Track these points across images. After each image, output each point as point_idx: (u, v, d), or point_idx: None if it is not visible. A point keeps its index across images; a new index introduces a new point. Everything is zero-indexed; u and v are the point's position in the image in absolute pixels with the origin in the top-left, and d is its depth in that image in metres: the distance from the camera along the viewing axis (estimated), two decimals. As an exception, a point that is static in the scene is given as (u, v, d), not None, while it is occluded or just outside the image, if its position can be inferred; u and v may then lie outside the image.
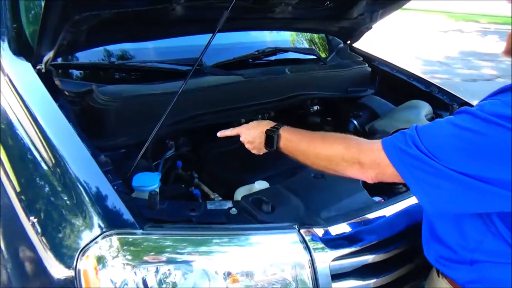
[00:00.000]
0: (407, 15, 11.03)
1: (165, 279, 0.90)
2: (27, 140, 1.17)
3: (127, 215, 0.94)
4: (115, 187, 1.00)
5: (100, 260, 0.88)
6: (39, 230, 1.01)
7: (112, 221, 0.92)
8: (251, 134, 1.21)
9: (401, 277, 1.11)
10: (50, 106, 1.21)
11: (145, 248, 0.90)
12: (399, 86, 2.09)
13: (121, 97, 1.35)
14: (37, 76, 1.31)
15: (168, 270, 0.90)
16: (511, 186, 0.74)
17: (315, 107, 1.99)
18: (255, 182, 1.28)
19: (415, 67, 6.21)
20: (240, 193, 1.28)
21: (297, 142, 1.08)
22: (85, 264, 0.89)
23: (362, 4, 1.83)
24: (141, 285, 0.88)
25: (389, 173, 0.88)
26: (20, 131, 1.21)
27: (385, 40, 7.34)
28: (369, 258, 1.05)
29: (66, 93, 1.34)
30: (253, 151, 1.23)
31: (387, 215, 1.13)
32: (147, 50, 1.71)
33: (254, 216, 1.05)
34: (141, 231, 0.91)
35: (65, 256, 0.93)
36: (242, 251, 0.96)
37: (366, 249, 1.05)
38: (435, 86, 2.02)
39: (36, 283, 1.03)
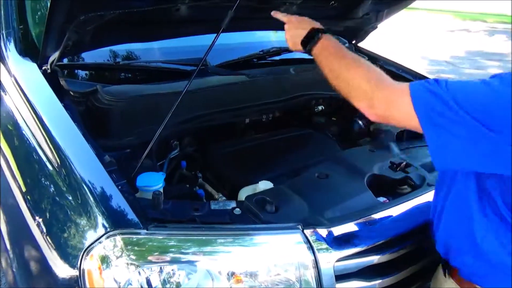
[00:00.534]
0: (413, 15, 10.97)
1: (169, 279, 0.90)
2: (32, 141, 1.18)
3: (131, 215, 0.94)
4: (120, 187, 1.00)
5: (104, 259, 0.88)
6: (44, 230, 1.02)
7: (116, 221, 0.93)
8: (298, 26, 1.19)
9: (406, 278, 1.10)
10: (56, 106, 1.22)
11: (149, 248, 0.90)
12: (405, 86, 2.07)
13: (126, 97, 1.35)
14: (42, 77, 1.33)
15: (172, 270, 0.90)
16: None
17: (320, 107, 1.97)
18: (259, 182, 1.27)
19: (422, 67, 6.18)
20: (244, 193, 1.27)
21: (329, 53, 1.08)
22: (89, 263, 0.89)
23: (367, 3, 1.83)
24: (145, 285, 0.88)
25: (398, 116, 0.90)
26: (26, 131, 1.22)
27: (391, 40, 7.31)
28: (373, 258, 1.04)
29: (72, 93, 1.35)
30: (289, 43, 1.22)
31: (391, 216, 1.12)
32: (152, 50, 1.71)
33: (258, 216, 1.05)
34: (145, 231, 0.91)
35: (69, 255, 0.93)
36: (246, 251, 0.96)
37: (371, 249, 1.04)
38: (441, 86, 2.00)
39: (41, 283, 1.03)
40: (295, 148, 1.63)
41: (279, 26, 1.95)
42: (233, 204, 1.08)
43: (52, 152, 1.10)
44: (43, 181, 1.11)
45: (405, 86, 0.89)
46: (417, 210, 1.14)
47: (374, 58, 2.18)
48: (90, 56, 1.57)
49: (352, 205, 1.14)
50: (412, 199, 1.19)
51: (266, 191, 1.18)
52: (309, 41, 1.13)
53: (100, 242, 0.89)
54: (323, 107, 1.99)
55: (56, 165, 1.08)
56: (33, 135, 1.18)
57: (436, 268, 1.06)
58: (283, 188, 1.19)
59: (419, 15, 11.60)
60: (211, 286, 0.90)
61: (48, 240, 1.00)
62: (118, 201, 0.97)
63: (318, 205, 1.11)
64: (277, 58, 1.96)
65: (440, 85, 0.85)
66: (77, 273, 0.89)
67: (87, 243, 0.91)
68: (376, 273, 1.05)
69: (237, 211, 1.06)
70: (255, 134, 1.78)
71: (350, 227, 1.06)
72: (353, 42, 2.25)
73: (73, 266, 0.91)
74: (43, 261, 0.99)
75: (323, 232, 1.01)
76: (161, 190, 1.16)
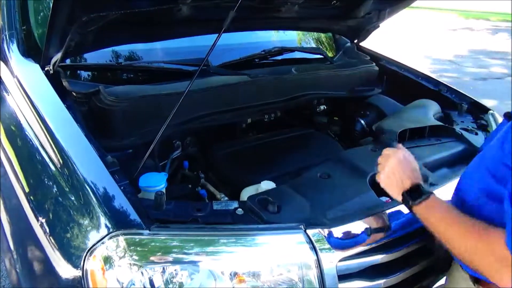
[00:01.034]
0: (416, 14, 10.94)
1: (171, 279, 0.90)
2: (35, 141, 1.19)
3: (133, 216, 0.94)
4: (122, 188, 1.01)
5: (107, 260, 0.88)
6: (47, 230, 1.02)
7: (119, 222, 0.93)
8: (405, 165, 1.06)
9: (409, 278, 1.10)
10: (58, 107, 1.23)
11: (151, 249, 0.91)
12: (407, 85, 2.07)
13: (128, 98, 1.35)
14: (45, 78, 1.33)
15: (175, 270, 0.90)
16: None
17: (322, 107, 1.98)
18: (261, 182, 1.27)
19: (424, 66, 6.16)
20: (246, 193, 1.27)
21: (442, 214, 0.95)
22: (92, 264, 0.89)
23: (369, 3, 1.82)
24: (147, 285, 0.88)
25: None
26: (29, 132, 1.23)
27: (394, 39, 7.29)
28: (376, 258, 1.04)
29: (74, 94, 1.35)
30: (382, 183, 1.08)
31: (394, 215, 1.12)
32: (154, 51, 1.71)
33: (260, 217, 1.05)
34: (147, 231, 0.91)
35: (72, 256, 0.94)
36: (249, 251, 0.96)
37: (373, 249, 1.04)
38: (443, 85, 2.00)
39: (44, 283, 1.04)
40: (297, 148, 1.63)
41: (280, 26, 1.97)
42: (235, 204, 1.08)
43: (54, 153, 1.11)
44: (46, 182, 1.11)
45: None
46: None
47: (376, 58, 2.18)
48: (92, 57, 1.57)
49: (354, 205, 1.14)
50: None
51: (268, 191, 1.18)
52: (416, 192, 1.00)
53: (103, 243, 0.90)
54: (325, 107, 1.99)
55: (59, 166, 1.08)
56: (36, 136, 1.19)
57: (450, 267, 1.05)
58: (285, 188, 1.19)
59: (421, 14, 11.57)
60: (214, 286, 0.91)
61: (51, 240, 1.00)
62: (121, 201, 0.97)
63: (320, 205, 1.11)
64: (279, 58, 1.96)
65: None
66: (80, 274, 0.90)
67: (90, 244, 0.91)
68: (378, 273, 1.05)
69: (240, 211, 1.06)
70: (257, 134, 1.78)
71: (352, 227, 1.06)
72: (355, 41, 2.25)
73: (76, 266, 0.91)
74: (46, 262, 0.99)
75: (325, 232, 1.01)
76: (164, 190, 1.16)
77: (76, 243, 0.95)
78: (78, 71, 1.59)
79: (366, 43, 2.30)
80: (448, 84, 2.02)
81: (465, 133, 1.60)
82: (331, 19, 1.98)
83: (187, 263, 0.91)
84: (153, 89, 1.44)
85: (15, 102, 1.34)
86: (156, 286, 0.89)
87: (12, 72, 1.43)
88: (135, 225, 0.92)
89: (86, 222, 0.96)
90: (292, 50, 2.01)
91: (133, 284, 0.87)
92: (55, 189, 1.07)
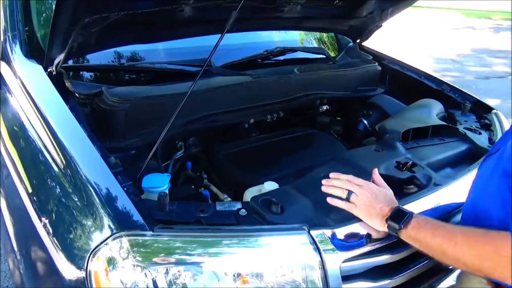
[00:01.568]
0: (418, 13, 10.91)
1: (175, 280, 0.90)
2: (38, 142, 1.19)
3: (137, 217, 0.94)
4: (125, 189, 1.00)
5: (111, 261, 0.88)
6: (51, 231, 1.02)
7: (122, 223, 0.93)
8: (378, 194, 1.05)
9: (413, 279, 1.10)
10: (61, 108, 1.23)
11: (155, 250, 0.90)
12: (410, 84, 2.07)
13: (131, 99, 1.35)
14: (48, 79, 1.33)
15: (178, 271, 0.90)
16: None
17: (325, 107, 1.97)
18: (265, 183, 1.27)
19: (427, 65, 6.15)
20: (249, 194, 1.27)
21: (432, 231, 0.92)
22: (96, 265, 0.89)
23: (372, 2, 1.82)
24: (151, 286, 0.88)
25: None
26: (32, 133, 1.23)
27: (396, 39, 7.27)
28: (380, 259, 1.04)
29: (77, 95, 1.35)
30: (361, 217, 1.04)
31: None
32: (157, 52, 1.71)
33: (263, 217, 1.04)
34: (151, 232, 0.91)
35: (76, 257, 0.94)
36: (252, 252, 0.96)
37: (377, 250, 1.04)
38: (446, 84, 1.99)
39: (48, 284, 1.04)
40: (300, 148, 1.63)
41: (283, 26, 1.97)
42: (238, 205, 1.08)
43: (57, 154, 1.11)
44: (49, 183, 1.11)
45: None
46: (423, 210, 1.14)
47: (379, 57, 2.17)
48: (95, 58, 1.57)
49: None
50: (419, 198, 1.18)
51: (271, 192, 1.18)
52: (399, 216, 0.98)
53: (106, 244, 0.90)
54: (328, 107, 1.98)
55: (62, 167, 1.08)
56: (39, 137, 1.19)
57: (445, 269, 1.05)
58: (289, 188, 1.19)
59: (424, 13, 11.54)
60: (217, 287, 0.90)
61: (54, 241, 1.00)
62: (124, 202, 0.97)
63: (324, 205, 1.11)
64: (281, 58, 1.96)
65: None
66: (84, 275, 0.90)
67: (93, 245, 0.91)
68: (382, 274, 1.05)
69: (243, 212, 1.06)
70: (260, 135, 1.78)
71: (356, 227, 1.05)
72: (358, 41, 2.25)
73: (79, 267, 0.91)
74: (49, 262, 0.99)
75: (329, 232, 1.01)
76: (167, 191, 1.16)
77: (80, 244, 0.95)
78: (81, 72, 1.59)
79: (369, 43, 2.29)
80: (451, 84, 2.01)
81: (468, 133, 1.59)
82: (334, 19, 1.97)
83: (191, 264, 0.91)
84: (156, 90, 1.44)
85: (18, 103, 1.35)
86: (159, 287, 0.88)
87: (15, 73, 1.44)
88: (139, 226, 0.92)
89: (89, 223, 0.96)
90: (294, 50, 2.01)
91: (137, 285, 0.87)
92: (58, 189, 1.07)
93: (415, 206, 1.13)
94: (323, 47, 2.28)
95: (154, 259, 0.89)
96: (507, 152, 0.90)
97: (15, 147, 1.31)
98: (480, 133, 1.63)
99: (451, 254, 0.89)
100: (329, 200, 1.09)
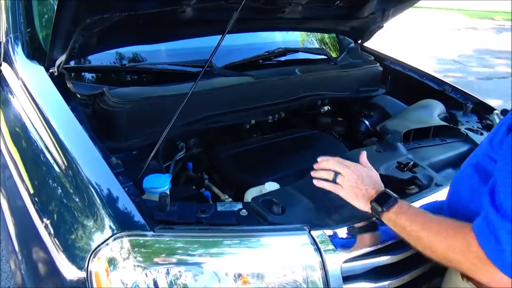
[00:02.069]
0: (420, 13, 10.90)
1: (175, 281, 0.90)
2: (40, 143, 1.19)
3: (138, 217, 0.94)
4: (126, 189, 1.01)
5: (111, 261, 0.88)
6: (52, 232, 1.02)
7: (123, 223, 0.93)
8: (365, 176, 1.07)
9: (414, 279, 1.09)
10: (63, 109, 1.23)
11: (156, 250, 0.90)
12: (412, 85, 2.07)
13: (133, 99, 1.35)
14: (49, 79, 1.34)
15: (179, 271, 0.90)
16: None
17: (326, 108, 1.97)
18: (266, 184, 1.27)
19: (429, 66, 6.14)
20: (250, 194, 1.27)
21: (411, 218, 0.95)
22: (97, 265, 0.89)
23: (373, 3, 1.82)
24: (152, 286, 0.88)
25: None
26: (33, 133, 1.23)
27: (398, 39, 7.27)
28: (381, 259, 1.03)
29: (78, 95, 1.36)
30: (346, 196, 1.07)
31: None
32: (158, 52, 1.72)
33: (264, 218, 1.04)
34: (151, 232, 0.91)
35: (77, 257, 0.94)
36: (253, 252, 0.96)
37: (378, 250, 1.04)
38: (448, 85, 1.99)
39: (49, 284, 1.04)
40: (302, 149, 1.63)
41: (284, 27, 1.97)
42: (239, 205, 1.08)
43: (59, 154, 1.11)
44: (51, 183, 1.11)
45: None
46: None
47: (380, 58, 2.17)
48: (96, 59, 1.58)
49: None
50: (420, 199, 1.18)
51: (272, 192, 1.18)
52: (383, 200, 1.01)
53: (107, 244, 0.90)
54: (329, 107, 1.98)
55: (63, 167, 1.09)
56: (41, 138, 1.19)
57: (447, 268, 1.04)
58: (290, 189, 1.18)
59: (425, 14, 11.54)
60: (218, 287, 0.90)
61: (55, 242, 1.00)
62: (125, 203, 0.97)
63: (325, 206, 1.11)
64: (282, 58, 1.96)
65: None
66: (85, 275, 0.90)
67: (94, 245, 0.91)
68: (384, 274, 1.04)
69: (244, 212, 1.06)
70: (261, 135, 1.78)
71: (357, 228, 1.05)
72: (359, 42, 2.24)
73: (80, 267, 0.91)
74: (51, 263, 0.99)
75: (330, 233, 1.01)
76: (168, 191, 1.16)
77: (81, 244, 0.96)
78: (83, 73, 1.59)
79: (370, 44, 2.29)
80: (453, 84, 2.01)
81: (470, 133, 1.59)
82: (335, 20, 1.97)
83: (192, 264, 0.91)
84: (157, 91, 1.44)
85: (20, 104, 1.35)
86: (160, 287, 0.88)
87: (17, 74, 1.44)
88: (139, 227, 0.92)
89: (90, 223, 0.96)
90: (296, 50, 2.01)
91: (137, 286, 0.87)
92: (60, 190, 1.07)
93: (417, 205, 1.12)
94: (325, 48, 2.28)
95: (155, 260, 0.89)
96: (479, 146, 0.94)
97: (17, 148, 1.32)
98: (481, 134, 1.63)
99: (425, 243, 0.91)
100: (315, 182, 1.11)
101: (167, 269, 0.89)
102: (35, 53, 1.51)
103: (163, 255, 0.90)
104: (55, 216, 1.05)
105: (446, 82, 2.01)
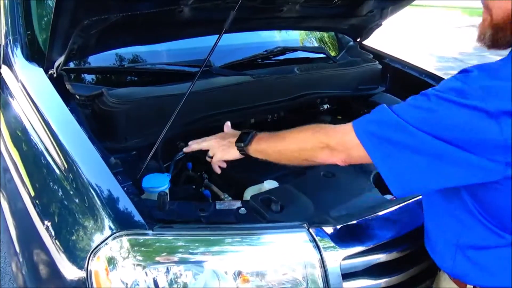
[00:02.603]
0: (420, 12, 10.88)
1: (175, 280, 0.90)
2: (40, 145, 1.19)
3: (137, 216, 0.94)
4: (125, 189, 1.01)
5: (111, 261, 0.89)
6: (53, 233, 1.02)
7: (123, 223, 0.93)
8: (224, 138, 1.23)
9: (414, 276, 1.09)
10: (62, 110, 1.23)
11: (155, 249, 0.91)
12: (411, 83, 2.06)
13: (131, 100, 1.36)
14: (49, 81, 1.34)
15: (179, 270, 0.90)
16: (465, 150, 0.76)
17: (325, 106, 1.97)
18: (265, 182, 1.27)
19: (429, 64, 6.12)
20: (249, 192, 1.27)
21: (268, 139, 1.09)
22: (96, 265, 0.89)
23: (371, 1, 1.81)
24: (152, 285, 0.88)
25: (356, 155, 0.90)
26: (33, 136, 1.23)
27: (398, 37, 7.26)
28: (380, 257, 1.03)
29: (77, 96, 1.36)
30: (219, 156, 1.23)
31: (399, 213, 1.11)
32: (157, 53, 1.72)
33: (263, 216, 1.04)
34: (150, 231, 0.91)
35: (77, 258, 0.94)
36: (252, 250, 0.96)
37: (378, 247, 1.03)
38: (448, 83, 1.98)
39: (50, 285, 1.04)
40: None
41: (282, 26, 1.97)
42: (238, 204, 1.08)
43: (59, 156, 1.11)
44: (51, 185, 1.12)
45: (349, 124, 0.91)
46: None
47: (379, 56, 2.17)
48: (95, 60, 1.58)
49: (358, 203, 1.14)
50: (419, 196, 1.18)
51: (271, 190, 1.18)
52: (244, 138, 1.14)
53: (106, 244, 0.90)
54: (329, 106, 1.98)
55: (63, 169, 1.09)
56: (41, 140, 1.20)
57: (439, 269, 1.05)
58: (289, 187, 1.19)
59: (426, 12, 11.52)
60: (218, 286, 0.90)
61: (56, 243, 1.00)
62: (124, 202, 0.97)
63: (324, 203, 1.11)
64: (281, 57, 1.96)
65: (383, 113, 0.86)
66: (84, 275, 0.90)
67: (94, 245, 0.91)
68: (383, 272, 1.04)
69: (242, 210, 1.06)
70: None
71: (356, 225, 1.05)
72: (358, 40, 2.24)
73: (80, 267, 0.92)
74: (52, 264, 1.00)
75: (329, 230, 1.01)
76: (167, 191, 1.16)
77: (81, 245, 0.96)
78: (81, 74, 1.60)
79: (370, 41, 2.29)
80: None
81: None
82: (333, 18, 1.97)
83: (191, 263, 0.91)
84: (156, 91, 1.44)
85: (20, 106, 1.35)
86: (160, 286, 0.89)
87: (16, 77, 1.45)
88: (139, 226, 0.92)
89: (90, 224, 0.96)
90: (294, 49, 2.01)
91: (137, 285, 0.87)
92: (60, 192, 1.07)
93: (416, 203, 1.13)
94: (324, 46, 2.28)
95: (155, 258, 0.90)
96: None
97: (17, 150, 1.32)
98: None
99: (286, 151, 1.04)
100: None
101: (167, 268, 0.90)
102: (34, 55, 1.51)
103: (163, 254, 0.90)
104: (56, 218, 1.06)
105: (446, 80, 2.00)
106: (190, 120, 1.48)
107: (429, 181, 0.82)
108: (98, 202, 0.97)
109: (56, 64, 1.35)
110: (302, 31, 2.24)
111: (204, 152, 1.61)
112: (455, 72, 0.86)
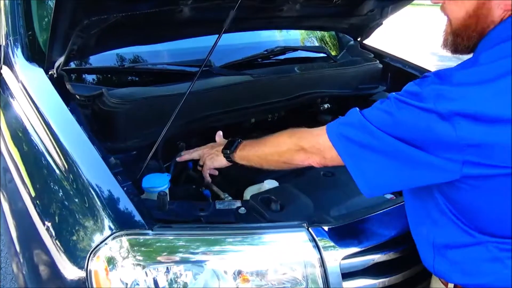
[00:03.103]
0: (421, 11, 10.87)
1: (175, 279, 0.90)
2: (40, 146, 1.19)
3: (137, 216, 0.94)
4: (125, 189, 1.01)
5: (111, 261, 0.89)
6: (53, 233, 1.02)
7: (122, 223, 0.93)
8: (214, 145, 1.31)
9: (414, 276, 1.09)
10: (62, 110, 1.23)
11: (155, 249, 0.91)
12: (412, 82, 2.05)
13: (131, 100, 1.36)
14: (49, 81, 1.34)
15: (179, 270, 0.90)
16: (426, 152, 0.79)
17: (326, 105, 1.97)
18: (265, 181, 1.27)
19: (431, 63, 6.11)
20: (249, 192, 1.27)
21: (251, 145, 1.16)
22: (96, 265, 0.90)
23: (372, 0, 1.81)
24: (152, 285, 0.88)
25: (329, 157, 0.95)
26: (34, 136, 1.23)
27: (400, 36, 7.24)
28: (380, 256, 1.03)
29: (77, 97, 1.36)
30: (209, 164, 1.29)
31: (399, 212, 1.11)
32: (157, 53, 1.72)
33: (263, 215, 1.04)
34: (150, 231, 0.91)
35: (77, 258, 0.94)
36: (252, 250, 0.96)
37: (377, 247, 1.03)
38: (448, 82, 1.97)
39: (50, 285, 1.04)
40: None
41: (282, 25, 1.96)
42: (238, 203, 1.08)
43: (59, 156, 1.11)
44: (52, 186, 1.12)
45: (323, 127, 0.94)
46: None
47: (380, 55, 2.17)
48: (95, 60, 1.58)
49: (358, 202, 1.13)
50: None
51: (271, 189, 1.18)
52: (231, 145, 1.22)
53: (106, 244, 0.90)
54: (329, 105, 1.98)
55: (64, 169, 1.09)
56: (41, 140, 1.20)
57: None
58: (288, 186, 1.19)
59: (427, 11, 11.50)
60: (218, 285, 0.90)
61: (56, 243, 1.00)
62: (124, 202, 0.97)
63: (323, 203, 1.11)
64: (281, 57, 1.96)
65: (353, 116, 0.90)
66: (84, 274, 0.90)
67: (93, 245, 0.91)
68: (383, 271, 1.04)
69: (242, 210, 1.06)
70: (261, 134, 1.77)
71: (355, 224, 1.05)
72: (359, 39, 2.24)
73: (80, 267, 0.92)
74: (52, 265, 1.00)
75: (329, 230, 1.00)
76: (167, 191, 1.16)
77: (81, 245, 0.96)
78: (82, 74, 1.60)
79: (372, 41, 2.28)
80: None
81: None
82: (334, 18, 1.97)
83: (191, 262, 0.91)
84: (156, 91, 1.44)
85: (20, 106, 1.36)
86: (160, 286, 0.89)
87: (17, 77, 1.45)
88: (138, 226, 0.92)
89: (90, 224, 0.96)
90: (295, 49, 2.01)
91: (137, 284, 0.88)
92: (61, 193, 1.08)
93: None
94: (324, 46, 2.27)
95: (155, 258, 0.90)
96: None
97: (18, 151, 1.32)
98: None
99: (266, 155, 1.09)
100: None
101: (167, 268, 0.90)
102: (35, 55, 1.51)
103: (163, 253, 0.90)
104: (56, 218, 1.06)
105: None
106: (190, 120, 1.48)
107: (394, 181, 0.86)
108: (98, 202, 0.97)
109: (57, 64, 1.35)
110: (303, 31, 2.24)
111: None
112: (456, 70, 0.87)
